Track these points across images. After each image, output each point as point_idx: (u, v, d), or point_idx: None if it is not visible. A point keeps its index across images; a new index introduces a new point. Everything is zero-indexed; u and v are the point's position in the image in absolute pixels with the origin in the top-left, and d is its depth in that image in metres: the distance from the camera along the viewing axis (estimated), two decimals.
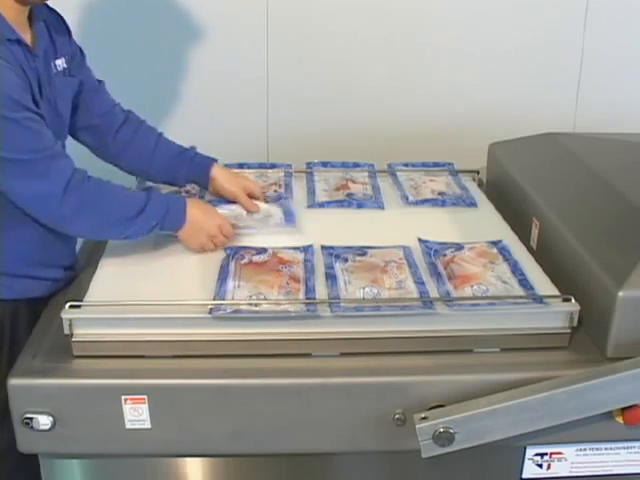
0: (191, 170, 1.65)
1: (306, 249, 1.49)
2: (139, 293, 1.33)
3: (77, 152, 1.54)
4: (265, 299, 1.31)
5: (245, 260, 1.44)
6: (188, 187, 1.78)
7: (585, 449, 1.35)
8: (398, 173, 1.91)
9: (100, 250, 1.51)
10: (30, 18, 1.40)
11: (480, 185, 1.92)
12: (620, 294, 1.25)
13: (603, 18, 2.11)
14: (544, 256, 1.51)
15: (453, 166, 1.95)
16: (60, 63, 1.46)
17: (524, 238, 1.58)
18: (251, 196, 1.66)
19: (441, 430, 1.21)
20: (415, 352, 1.31)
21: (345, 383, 1.27)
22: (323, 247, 1.50)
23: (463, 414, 1.21)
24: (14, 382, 1.23)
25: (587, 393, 1.23)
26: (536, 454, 1.35)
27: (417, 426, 1.21)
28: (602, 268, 1.32)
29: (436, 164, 1.96)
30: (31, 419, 1.23)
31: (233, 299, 1.31)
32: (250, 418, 1.27)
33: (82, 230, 1.43)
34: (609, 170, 1.62)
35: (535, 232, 1.60)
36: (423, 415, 1.22)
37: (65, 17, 1.53)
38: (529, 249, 1.54)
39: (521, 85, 2.17)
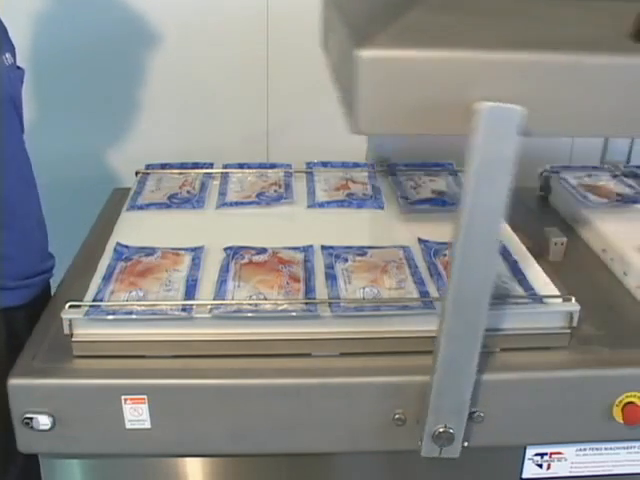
0: None
1: (306, 249, 1.49)
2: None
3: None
4: (265, 299, 1.31)
5: (245, 260, 1.44)
6: (188, 188, 1.79)
7: (585, 449, 1.35)
8: (398, 173, 1.91)
9: (99, 251, 1.51)
10: None
11: None
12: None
13: None
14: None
15: (453, 166, 1.94)
16: (9, 57, 1.41)
17: None
18: None
19: (441, 430, 1.21)
20: (415, 352, 1.30)
21: (345, 383, 1.26)
22: (323, 247, 1.50)
23: None
24: (14, 382, 1.23)
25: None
26: (536, 454, 1.35)
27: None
28: None
29: (436, 164, 1.96)
30: (31, 419, 1.23)
31: (233, 299, 1.32)
32: (250, 418, 1.26)
33: None
34: None
35: None
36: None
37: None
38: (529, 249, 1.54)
39: None
